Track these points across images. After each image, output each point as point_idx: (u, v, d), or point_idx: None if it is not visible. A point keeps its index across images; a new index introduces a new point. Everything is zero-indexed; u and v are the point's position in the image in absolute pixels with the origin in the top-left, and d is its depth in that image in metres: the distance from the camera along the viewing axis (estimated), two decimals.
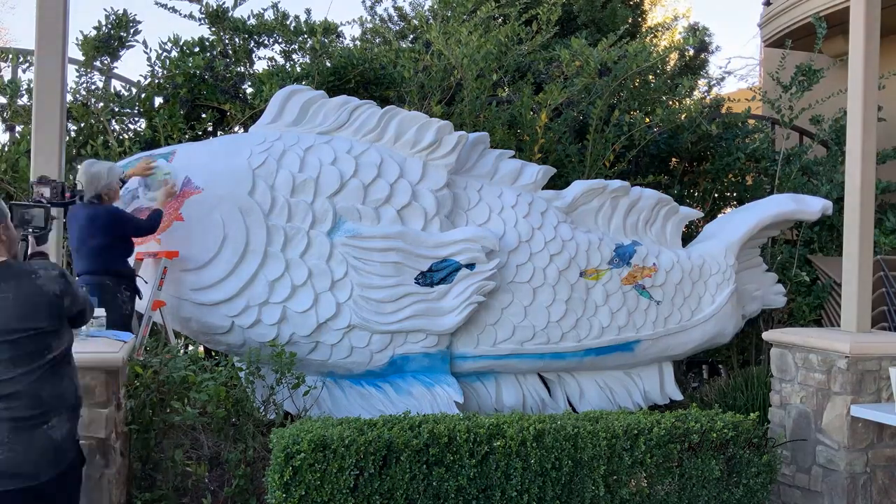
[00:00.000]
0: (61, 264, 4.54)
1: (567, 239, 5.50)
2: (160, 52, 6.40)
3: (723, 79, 11.51)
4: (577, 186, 5.76)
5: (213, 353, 5.90)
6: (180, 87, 6.28)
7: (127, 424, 4.13)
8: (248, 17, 6.71)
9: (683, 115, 7.25)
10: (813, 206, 6.10)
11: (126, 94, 6.48)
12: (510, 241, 5.32)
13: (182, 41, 6.48)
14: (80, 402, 2.98)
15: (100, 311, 3.99)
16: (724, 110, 8.18)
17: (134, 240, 4.86)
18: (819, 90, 7.46)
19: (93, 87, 6.35)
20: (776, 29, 9.68)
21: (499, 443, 4.18)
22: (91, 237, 4.66)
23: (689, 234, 6.90)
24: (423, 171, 5.24)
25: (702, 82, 9.95)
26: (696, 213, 6.33)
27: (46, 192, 4.21)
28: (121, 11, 6.29)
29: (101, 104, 6.25)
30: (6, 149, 6.03)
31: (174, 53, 6.42)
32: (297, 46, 6.83)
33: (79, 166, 4.81)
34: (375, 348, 5.10)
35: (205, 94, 6.37)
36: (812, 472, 4.98)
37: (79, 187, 4.68)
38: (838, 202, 6.15)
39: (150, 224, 4.83)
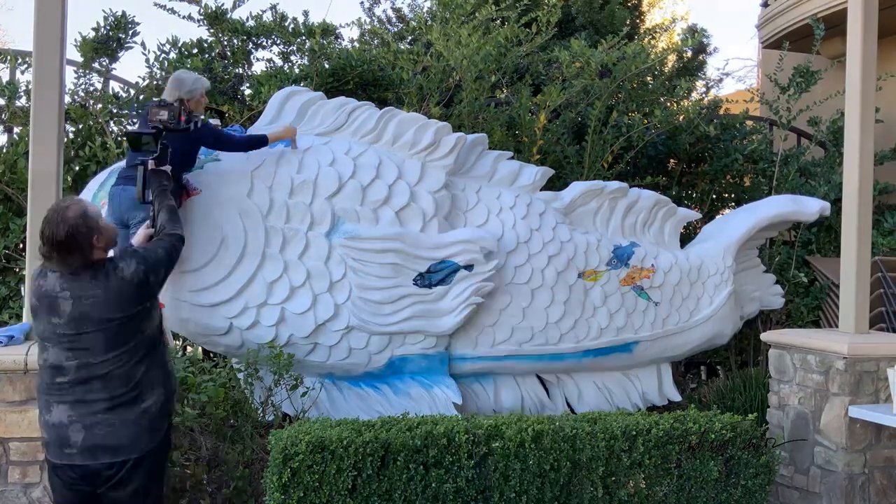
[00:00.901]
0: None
1: (565, 240, 5.50)
2: (159, 53, 6.40)
3: (721, 80, 11.56)
4: (576, 188, 5.77)
5: (212, 355, 5.90)
6: None
7: None
8: (247, 19, 6.71)
9: (681, 117, 7.25)
10: (811, 208, 6.11)
11: (124, 95, 6.48)
12: (508, 242, 5.32)
13: (181, 43, 6.48)
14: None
15: None
16: (722, 112, 8.19)
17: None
18: (817, 91, 7.47)
19: (91, 88, 6.35)
20: (774, 30, 9.70)
21: (497, 444, 4.19)
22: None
23: (688, 235, 6.91)
24: (422, 172, 5.24)
25: (700, 84, 9.98)
26: (694, 215, 6.34)
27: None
28: (119, 13, 6.29)
29: (100, 105, 6.25)
30: (4, 150, 6.02)
31: (173, 55, 6.42)
32: (295, 48, 6.84)
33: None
34: (374, 349, 5.10)
35: None
36: (810, 473, 4.98)
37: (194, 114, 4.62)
38: (836, 203, 6.16)
39: (247, 141, 4.79)
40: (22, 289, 3.97)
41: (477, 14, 6.99)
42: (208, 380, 4.39)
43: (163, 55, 6.40)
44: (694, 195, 7.82)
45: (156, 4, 6.52)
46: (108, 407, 3.11)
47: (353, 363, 5.09)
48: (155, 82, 6.36)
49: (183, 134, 4.35)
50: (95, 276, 3.14)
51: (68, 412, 3.09)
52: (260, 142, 4.85)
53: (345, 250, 4.97)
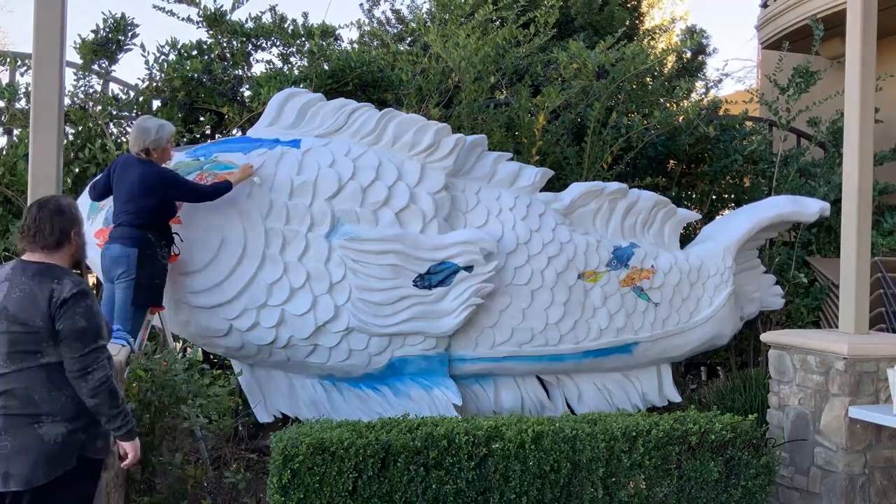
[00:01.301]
0: None
1: (565, 241, 5.50)
2: (158, 55, 6.39)
3: (720, 81, 11.55)
4: (575, 188, 5.77)
5: (212, 357, 5.90)
6: (178, 90, 6.28)
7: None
8: (246, 21, 6.70)
9: (681, 118, 7.25)
10: (811, 208, 6.11)
11: (124, 97, 6.47)
12: (508, 243, 5.32)
13: (180, 44, 6.47)
14: (82, 415, 2.97)
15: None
16: (721, 112, 8.19)
17: None
18: (816, 92, 7.47)
19: (91, 90, 6.35)
20: (774, 31, 9.69)
21: (497, 445, 4.19)
22: (141, 196, 4.63)
23: (687, 236, 6.91)
24: (421, 173, 5.24)
25: (699, 84, 9.98)
26: (693, 215, 6.34)
27: None
28: (119, 15, 6.28)
29: (99, 107, 6.25)
30: (4, 152, 6.02)
31: (172, 57, 6.42)
32: (294, 49, 6.83)
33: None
34: (374, 351, 5.10)
35: (202, 97, 6.37)
36: (810, 473, 4.98)
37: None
38: (836, 204, 6.15)
39: (212, 191, 4.80)
40: None
41: (475, 15, 6.99)
42: (219, 385, 4.37)
43: (162, 57, 6.39)
44: (694, 196, 7.81)
45: (155, 6, 6.52)
46: (3, 428, 2.85)
47: (353, 364, 5.10)
48: (154, 84, 6.36)
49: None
50: (41, 274, 2.95)
51: None
52: (224, 189, 4.84)
53: (344, 252, 4.97)
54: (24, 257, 3.02)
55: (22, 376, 2.87)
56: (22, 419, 2.86)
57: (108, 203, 4.96)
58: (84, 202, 5.06)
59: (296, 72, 6.55)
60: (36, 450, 2.85)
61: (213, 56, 6.56)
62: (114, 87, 6.60)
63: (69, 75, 5.98)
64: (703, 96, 9.34)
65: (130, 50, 6.41)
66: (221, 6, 6.57)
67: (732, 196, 7.87)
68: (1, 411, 2.85)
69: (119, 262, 4.58)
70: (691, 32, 11.07)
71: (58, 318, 2.89)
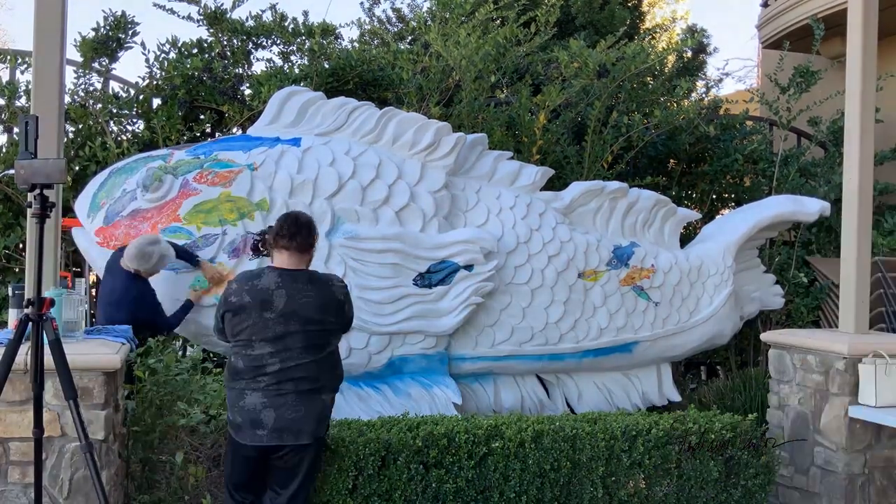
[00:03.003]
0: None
1: (565, 240, 5.50)
2: (158, 53, 6.39)
3: (721, 80, 11.52)
4: (576, 188, 5.77)
5: (212, 355, 5.89)
6: (178, 88, 6.28)
7: (125, 426, 4.12)
8: (247, 19, 6.70)
9: (681, 117, 7.25)
10: (811, 208, 6.11)
11: (124, 95, 6.48)
12: (508, 242, 5.32)
13: (180, 42, 6.48)
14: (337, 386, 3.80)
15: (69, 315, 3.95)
16: (721, 112, 8.19)
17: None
18: (817, 92, 7.46)
19: (91, 88, 6.35)
20: (774, 30, 9.69)
21: (497, 444, 4.19)
22: (120, 308, 4.62)
23: (688, 236, 6.90)
24: (422, 172, 5.24)
25: (700, 84, 9.97)
26: (694, 215, 6.34)
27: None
28: (119, 13, 6.28)
29: (100, 105, 6.25)
30: (4, 150, 6.02)
31: (172, 55, 6.42)
32: (295, 48, 6.83)
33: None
34: (374, 350, 5.09)
35: (203, 95, 6.37)
36: (810, 473, 4.98)
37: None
38: (836, 203, 6.15)
39: (173, 322, 4.79)
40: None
41: (476, 14, 6.99)
42: (214, 380, 4.38)
43: (162, 55, 6.39)
44: (694, 195, 7.81)
45: (155, 4, 6.51)
46: (297, 396, 3.54)
47: (353, 363, 5.09)
48: (155, 82, 6.36)
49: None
50: (311, 280, 3.62)
51: (261, 399, 3.51)
52: (188, 309, 4.85)
53: (345, 250, 4.97)
54: (280, 265, 3.62)
55: (314, 365, 3.58)
56: (311, 393, 3.58)
57: (108, 201, 4.96)
58: (83, 200, 5.05)
59: (296, 70, 6.55)
60: (319, 413, 3.61)
61: (213, 54, 6.56)
62: (114, 86, 6.60)
63: (69, 73, 5.98)
64: (704, 96, 9.33)
65: (131, 48, 6.41)
66: (222, 4, 6.58)
67: (732, 196, 7.87)
68: (294, 387, 3.53)
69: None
70: (692, 31, 11.09)
71: (343, 314, 3.70)
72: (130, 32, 6.33)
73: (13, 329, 3.58)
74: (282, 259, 3.63)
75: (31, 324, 3.25)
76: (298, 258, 3.63)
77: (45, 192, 3.13)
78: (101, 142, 6.02)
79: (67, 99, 5.94)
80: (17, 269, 5.96)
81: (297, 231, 3.62)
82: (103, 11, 6.26)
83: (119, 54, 6.41)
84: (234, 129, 6.47)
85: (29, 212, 3.33)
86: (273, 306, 3.51)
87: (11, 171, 3.35)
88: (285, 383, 3.53)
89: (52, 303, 3.27)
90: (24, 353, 3.65)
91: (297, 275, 3.61)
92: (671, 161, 7.85)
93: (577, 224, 5.67)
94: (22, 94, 6.06)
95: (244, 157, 5.05)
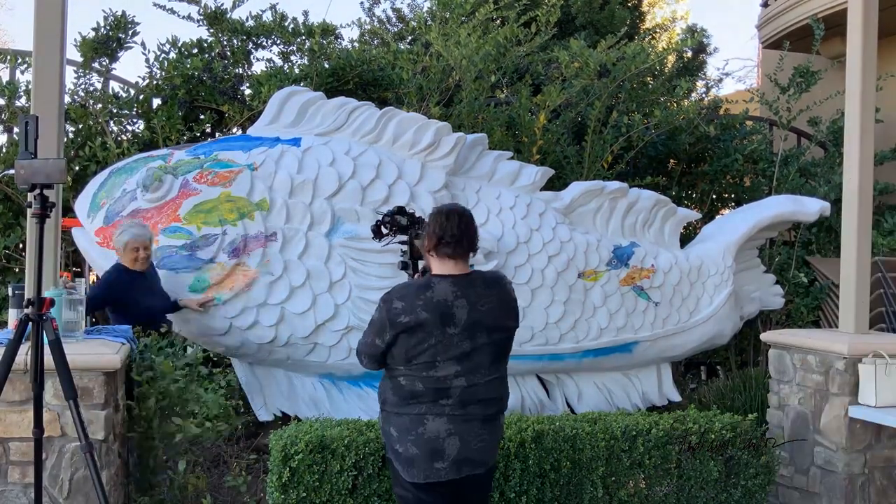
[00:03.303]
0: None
1: (565, 240, 5.50)
2: (158, 53, 6.39)
3: (721, 80, 11.54)
4: (576, 188, 5.76)
5: (212, 355, 5.89)
6: (178, 88, 6.28)
7: (128, 431, 4.12)
8: (247, 19, 6.71)
9: (682, 117, 7.25)
10: (811, 208, 6.11)
11: (124, 95, 6.48)
12: (508, 242, 5.31)
13: (180, 42, 6.48)
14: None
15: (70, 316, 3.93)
16: (722, 112, 8.19)
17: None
18: (817, 92, 7.47)
19: (91, 88, 6.35)
20: (774, 30, 9.70)
21: None
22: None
23: (688, 236, 6.90)
24: (422, 172, 5.24)
25: (700, 84, 9.98)
26: (694, 215, 6.34)
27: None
28: (119, 13, 6.28)
29: (100, 105, 6.25)
30: (4, 150, 6.02)
31: (172, 55, 6.42)
32: (295, 48, 6.83)
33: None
34: None
35: (203, 95, 6.37)
36: (810, 473, 4.98)
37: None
38: (836, 203, 6.15)
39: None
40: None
41: (476, 14, 6.99)
42: (210, 388, 4.37)
43: (162, 55, 6.39)
44: (694, 195, 7.81)
45: (155, 4, 6.52)
46: (483, 422, 3.11)
47: (354, 363, 5.05)
48: (155, 82, 6.36)
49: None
50: (488, 283, 3.14)
51: (447, 426, 3.04)
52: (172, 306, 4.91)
53: (345, 250, 4.97)
54: (448, 272, 3.08)
55: (498, 380, 3.16)
56: (495, 416, 3.17)
57: (108, 201, 4.96)
58: (83, 200, 5.05)
59: (296, 70, 6.55)
60: (497, 437, 3.22)
61: (213, 54, 6.56)
62: (114, 85, 6.61)
63: (69, 73, 5.98)
64: (704, 96, 9.34)
65: (131, 48, 6.41)
66: (222, 4, 6.58)
67: (732, 195, 7.87)
68: (482, 410, 3.09)
69: None
70: (692, 32, 11.09)
71: (518, 316, 3.25)
72: (130, 32, 6.33)
73: (13, 329, 3.58)
74: (448, 266, 3.10)
75: (31, 324, 3.25)
76: (465, 261, 3.13)
77: (45, 192, 3.09)
78: (101, 142, 6.02)
79: (67, 99, 5.94)
80: (17, 270, 5.96)
81: (462, 234, 3.08)
82: (103, 11, 6.27)
83: (119, 54, 6.41)
84: (234, 129, 6.47)
85: (29, 212, 3.33)
86: (455, 319, 3.01)
87: (12, 171, 3.34)
88: (472, 405, 3.07)
89: (51, 303, 3.25)
90: (24, 353, 3.66)
91: (472, 279, 3.11)
92: (671, 161, 7.85)
93: (577, 224, 5.67)
94: (22, 94, 6.06)
95: (244, 157, 5.05)
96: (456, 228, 3.05)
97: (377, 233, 3.73)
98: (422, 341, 3.00)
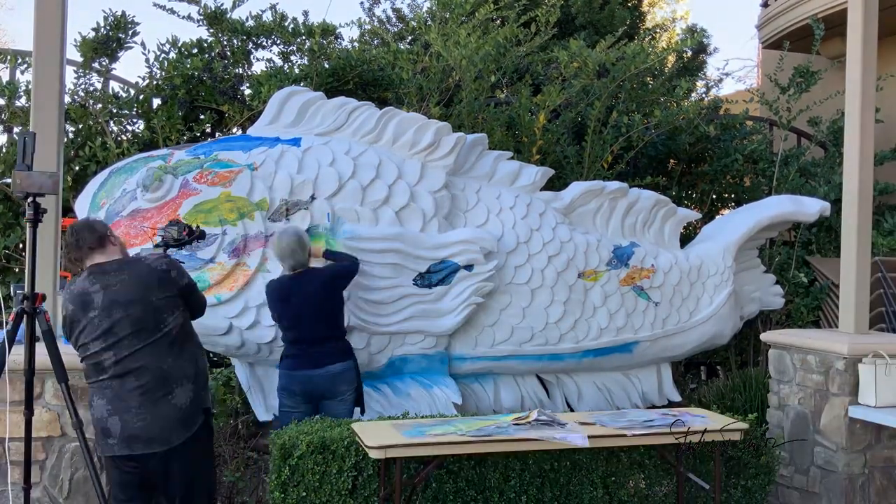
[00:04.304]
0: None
1: (565, 240, 5.50)
2: (158, 53, 6.39)
3: (721, 80, 11.51)
4: (576, 188, 5.76)
5: (212, 355, 5.89)
6: (178, 88, 6.27)
7: None
8: (247, 19, 6.70)
9: (682, 117, 7.25)
10: (811, 208, 6.11)
11: (124, 95, 6.48)
12: (508, 242, 5.32)
13: (180, 42, 6.47)
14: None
15: None
16: (722, 112, 8.19)
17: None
18: (817, 92, 7.47)
19: (91, 88, 6.35)
20: (774, 30, 9.70)
21: None
22: (330, 297, 4.67)
23: (688, 236, 6.90)
24: (422, 172, 5.24)
25: (700, 84, 9.98)
26: (694, 215, 6.34)
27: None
28: (119, 13, 6.28)
29: (100, 105, 6.25)
30: (4, 150, 6.02)
31: (172, 55, 6.42)
32: (295, 48, 6.83)
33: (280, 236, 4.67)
34: (374, 349, 5.09)
35: (203, 95, 6.37)
36: (810, 473, 4.98)
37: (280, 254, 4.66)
38: (836, 203, 6.15)
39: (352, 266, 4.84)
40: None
41: (476, 14, 6.99)
42: (211, 378, 4.39)
43: (162, 55, 6.39)
44: (694, 195, 7.81)
45: (155, 4, 6.52)
46: (142, 398, 3.32)
47: None
48: (155, 82, 6.36)
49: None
50: (120, 265, 3.44)
51: (107, 406, 3.32)
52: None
53: (344, 250, 4.97)
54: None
55: (148, 349, 3.37)
56: (155, 390, 3.35)
57: (108, 201, 4.96)
58: (83, 200, 5.05)
59: (296, 70, 6.55)
60: (167, 415, 3.37)
61: (213, 54, 6.56)
62: (114, 85, 6.61)
63: (69, 73, 5.98)
64: (704, 96, 9.34)
65: (131, 48, 6.41)
66: (222, 4, 6.58)
67: (732, 196, 7.87)
68: (136, 381, 3.36)
69: (343, 377, 4.61)
70: (692, 32, 11.08)
71: (173, 283, 3.53)
72: (130, 32, 6.32)
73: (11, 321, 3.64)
74: (85, 263, 3.49)
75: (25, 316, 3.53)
76: (100, 255, 3.48)
77: (38, 199, 3.49)
78: (101, 142, 6.02)
79: (67, 99, 5.94)
80: (17, 269, 5.96)
81: (77, 236, 3.49)
82: (103, 11, 6.26)
83: (119, 54, 6.40)
84: (234, 129, 6.47)
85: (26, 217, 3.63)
86: (94, 305, 3.36)
87: (9, 180, 3.68)
88: (126, 378, 3.34)
89: (44, 297, 3.58)
90: (23, 353, 3.67)
91: (104, 267, 3.45)
92: (671, 161, 7.85)
93: (577, 224, 5.67)
94: (22, 94, 6.06)
95: (244, 157, 5.05)
96: (70, 236, 3.50)
97: (161, 246, 4.31)
98: (76, 329, 3.38)
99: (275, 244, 4.70)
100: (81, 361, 3.44)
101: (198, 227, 4.47)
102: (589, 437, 3.83)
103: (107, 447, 3.36)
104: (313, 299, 4.58)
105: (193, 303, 3.63)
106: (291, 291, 4.60)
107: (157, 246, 4.14)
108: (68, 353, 3.57)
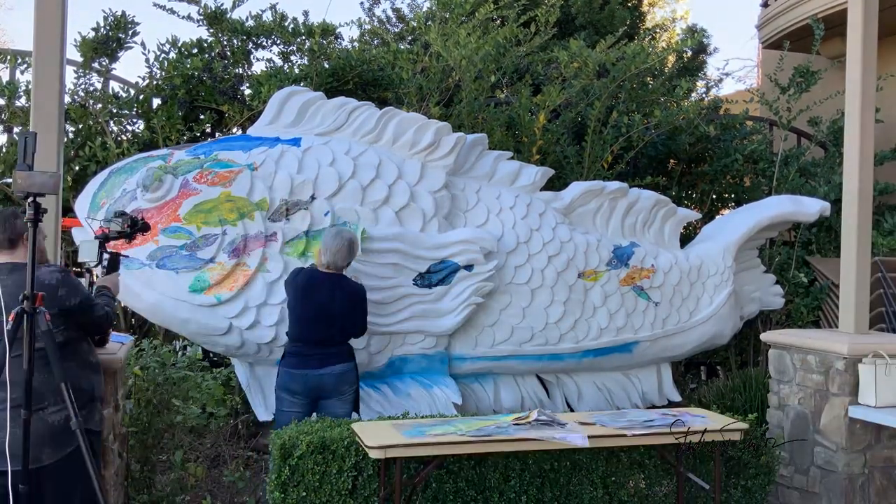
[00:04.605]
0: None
1: (565, 240, 5.50)
2: (158, 53, 6.39)
3: (721, 80, 11.51)
4: (576, 188, 5.76)
5: (211, 355, 5.90)
6: (178, 88, 6.27)
7: (126, 426, 4.13)
8: (247, 19, 6.70)
9: (682, 117, 7.25)
10: (811, 208, 6.11)
11: (124, 95, 6.48)
12: (508, 242, 5.32)
13: (180, 42, 6.47)
14: (88, 394, 3.36)
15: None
16: (722, 112, 8.19)
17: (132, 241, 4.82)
18: (817, 92, 7.47)
19: (91, 88, 6.35)
20: (774, 30, 9.70)
21: None
22: (352, 312, 4.65)
23: (688, 236, 6.90)
24: (422, 172, 5.24)
25: (700, 84, 9.98)
26: (694, 215, 6.34)
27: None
28: (119, 13, 6.28)
29: (100, 105, 6.25)
30: (4, 150, 6.02)
31: (172, 55, 6.41)
32: (295, 48, 6.83)
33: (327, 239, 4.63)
34: (374, 349, 5.09)
35: (203, 95, 6.37)
36: (810, 473, 4.98)
37: (324, 259, 4.61)
38: (836, 203, 6.15)
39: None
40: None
41: (476, 14, 6.99)
42: (211, 377, 4.39)
43: (162, 55, 6.39)
44: (694, 195, 7.81)
45: (155, 4, 6.52)
46: (15, 410, 3.11)
47: None
48: (155, 82, 6.36)
49: None
50: (10, 271, 3.32)
51: None
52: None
53: None
54: None
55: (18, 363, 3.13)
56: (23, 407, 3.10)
57: (108, 201, 4.96)
58: (83, 200, 5.05)
59: (296, 70, 6.55)
60: (38, 433, 3.14)
61: (213, 54, 6.56)
62: (114, 85, 6.61)
63: (69, 73, 5.98)
64: (704, 96, 9.34)
65: (131, 48, 6.41)
66: (222, 4, 6.58)
67: (732, 196, 7.87)
68: (8, 396, 3.14)
69: (346, 377, 4.61)
70: (692, 32, 11.09)
71: (57, 300, 3.30)
72: (130, 32, 6.32)
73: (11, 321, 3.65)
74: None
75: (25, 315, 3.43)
76: (9, 254, 3.40)
77: (38, 199, 3.40)
78: (101, 142, 6.02)
79: (67, 99, 5.94)
80: None
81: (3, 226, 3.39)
82: (103, 11, 6.26)
83: (119, 54, 6.40)
84: (234, 129, 6.47)
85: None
86: None
87: (10, 180, 3.63)
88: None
89: (43, 298, 3.48)
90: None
91: (1, 266, 3.37)
92: (671, 161, 7.85)
93: (577, 224, 5.67)
94: (22, 94, 6.06)
95: (244, 157, 5.05)
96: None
97: (100, 239, 4.05)
98: None
99: (325, 237, 4.68)
100: None
101: (141, 218, 4.29)
102: (589, 437, 3.83)
103: None
104: (337, 307, 4.56)
105: (86, 323, 3.48)
106: (318, 289, 4.58)
107: (96, 238, 4.01)
108: None
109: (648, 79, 7.90)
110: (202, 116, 6.48)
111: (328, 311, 4.55)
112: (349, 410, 4.60)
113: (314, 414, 4.58)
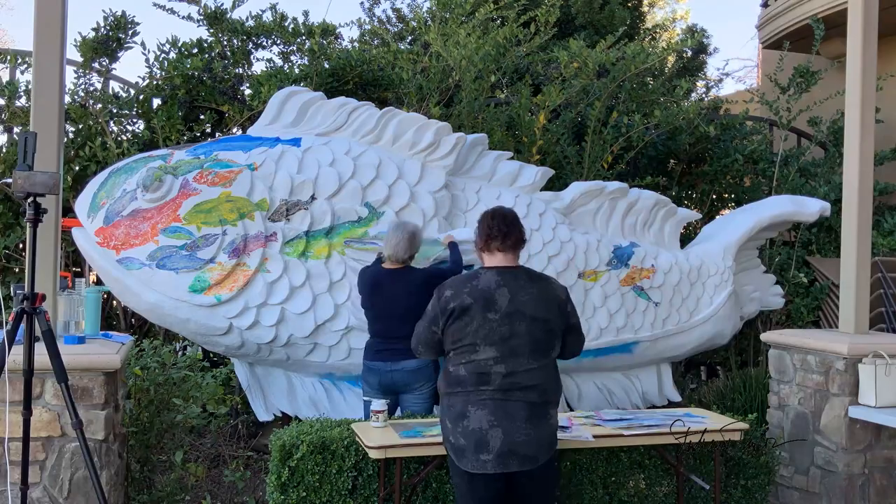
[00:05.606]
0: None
1: (565, 240, 5.50)
2: (158, 53, 6.39)
3: (721, 80, 11.53)
4: (576, 188, 5.76)
5: (211, 355, 5.90)
6: (178, 88, 6.27)
7: (126, 426, 4.12)
8: (247, 19, 6.70)
9: (681, 117, 7.26)
10: (811, 208, 6.11)
11: (124, 95, 6.47)
12: None
13: (180, 42, 6.47)
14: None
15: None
16: (722, 112, 8.19)
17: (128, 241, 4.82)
18: (817, 92, 7.47)
19: (91, 88, 6.34)
20: (774, 30, 9.70)
21: None
22: (418, 304, 4.63)
23: (688, 236, 6.91)
24: (422, 172, 5.24)
25: (700, 84, 9.98)
26: (694, 215, 6.34)
27: None
28: (119, 13, 6.28)
29: (100, 105, 6.24)
30: (4, 150, 6.02)
31: (172, 55, 6.41)
32: (295, 48, 6.83)
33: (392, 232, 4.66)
34: None
35: (203, 95, 6.37)
36: (810, 473, 4.98)
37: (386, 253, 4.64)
38: (836, 204, 6.16)
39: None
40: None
41: (476, 14, 6.99)
42: (211, 376, 4.39)
43: (162, 55, 6.39)
44: (694, 195, 7.82)
45: (155, 4, 6.51)
46: (528, 414, 3.27)
47: (353, 363, 5.09)
48: (155, 82, 6.36)
49: None
50: (530, 276, 3.42)
51: (488, 417, 3.24)
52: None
53: (345, 249, 4.96)
54: (498, 263, 3.40)
55: (539, 371, 3.31)
56: (539, 407, 3.31)
57: (108, 201, 4.96)
58: (83, 200, 5.05)
59: (296, 70, 6.55)
60: (545, 433, 3.33)
61: (213, 54, 6.56)
62: (114, 85, 6.60)
63: (69, 73, 5.97)
64: (704, 96, 9.34)
65: (131, 48, 6.40)
66: (222, 4, 6.58)
67: (732, 196, 7.87)
68: (523, 396, 3.28)
69: (420, 374, 4.61)
70: (692, 32, 11.10)
71: (565, 315, 3.44)
72: (130, 32, 6.32)
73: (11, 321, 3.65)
74: (496, 259, 3.43)
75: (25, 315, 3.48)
76: (513, 256, 3.45)
77: (38, 199, 3.44)
78: (101, 142, 6.01)
79: (67, 99, 5.94)
80: (17, 269, 5.96)
81: (508, 230, 3.42)
82: (103, 11, 6.26)
83: (119, 54, 6.40)
84: (234, 129, 6.47)
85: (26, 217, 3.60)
86: (497, 306, 3.30)
87: (10, 180, 3.63)
88: (514, 392, 3.27)
89: (43, 297, 3.52)
90: (23, 353, 3.67)
91: (516, 272, 3.42)
92: (671, 161, 7.85)
93: (577, 224, 5.67)
94: (22, 94, 6.05)
95: (244, 157, 5.05)
96: (503, 225, 3.40)
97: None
98: (466, 325, 3.29)
99: (388, 232, 4.71)
100: (452, 357, 3.41)
101: None
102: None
103: (479, 464, 3.26)
104: (404, 299, 4.57)
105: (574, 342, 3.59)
106: (384, 285, 4.63)
107: None
108: (68, 353, 3.57)
109: (648, 79, 7.90)
110: (202, 116, 6.48)
111: (392, 306, 4.60)
112: (427, 407, 4.61)
113: (397, 409, 4.64)
